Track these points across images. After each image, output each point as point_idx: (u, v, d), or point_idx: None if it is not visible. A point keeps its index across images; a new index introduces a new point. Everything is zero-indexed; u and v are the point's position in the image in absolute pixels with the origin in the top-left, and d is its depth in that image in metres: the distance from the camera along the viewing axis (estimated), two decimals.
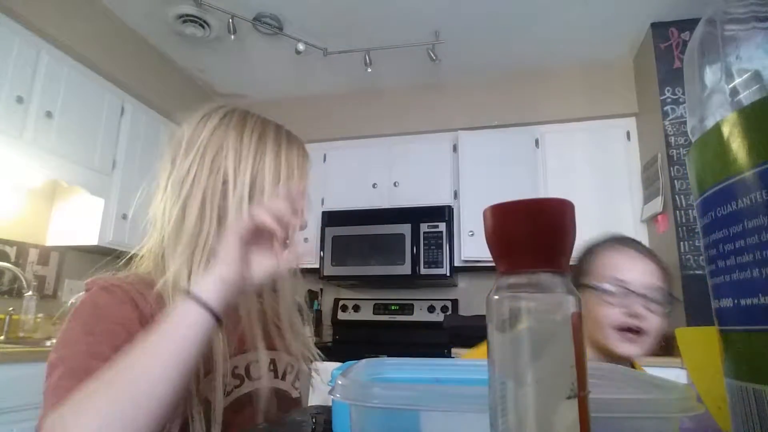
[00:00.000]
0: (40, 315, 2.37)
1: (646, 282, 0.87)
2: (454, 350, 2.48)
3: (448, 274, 2.85)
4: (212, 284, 0.53)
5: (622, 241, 0.94)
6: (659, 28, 2.63)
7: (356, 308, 3.28)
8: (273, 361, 0.73)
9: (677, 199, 2.44)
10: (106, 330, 0.58)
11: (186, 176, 0.68)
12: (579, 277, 0.94)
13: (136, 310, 0.61)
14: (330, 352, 2.48)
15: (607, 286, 0.87)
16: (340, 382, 0.29)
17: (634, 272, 0.88)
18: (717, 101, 0.20)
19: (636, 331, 0.84)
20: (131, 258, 0.72)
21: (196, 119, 0.74)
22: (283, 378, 0.74)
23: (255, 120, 0.75)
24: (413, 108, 3.26)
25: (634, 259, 0.90)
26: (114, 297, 0.61)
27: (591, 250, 0.96)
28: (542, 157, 2.96)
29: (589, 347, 0.93)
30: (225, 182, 0.69)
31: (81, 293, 0.65)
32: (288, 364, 0.75)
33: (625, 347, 0.84)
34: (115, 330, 0.58)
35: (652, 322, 0.84)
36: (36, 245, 2.50)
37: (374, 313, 3.23)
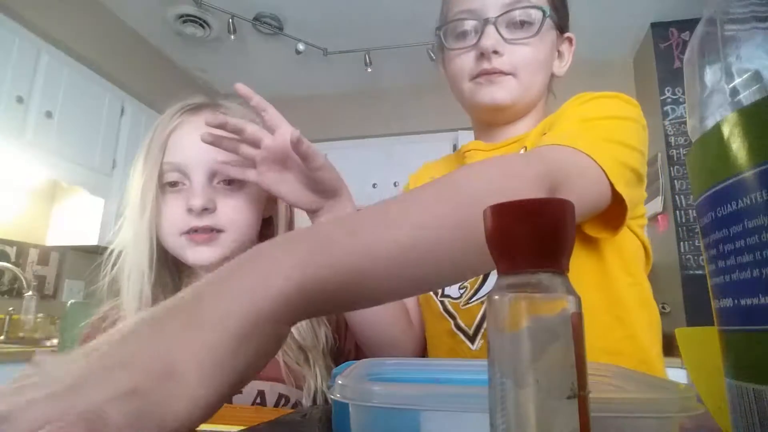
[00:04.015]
0: (40, 315, 2.37)
1: (502, 0, 0.62)
2: None
3: None
4: None
5: None
6: (659, 28, 2.63)
7: None
8: (261, 393, 0.63)
9: (677, 199, 2.44)
10: None
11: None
12: (438, 35, 0.70)
13: None
14: None
15: (456, 27, 0.65)
16: (340, 382, 0.29)
17: None
18: (717, 101, 0.20)
19: (497, 73, 0.63)
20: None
21: None
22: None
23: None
24: (413, 108, 3.26)
25: None
26: None
27: None
28: None
29: (472, 121, 0.75)
30: None
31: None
32: (282, 396, 0.65)
33: (485, 95, 0.64)
34: None
35: (513, 57, 0.62)
36: (36, 245, 2.50)
37: None
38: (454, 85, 0.70)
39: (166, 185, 0.66)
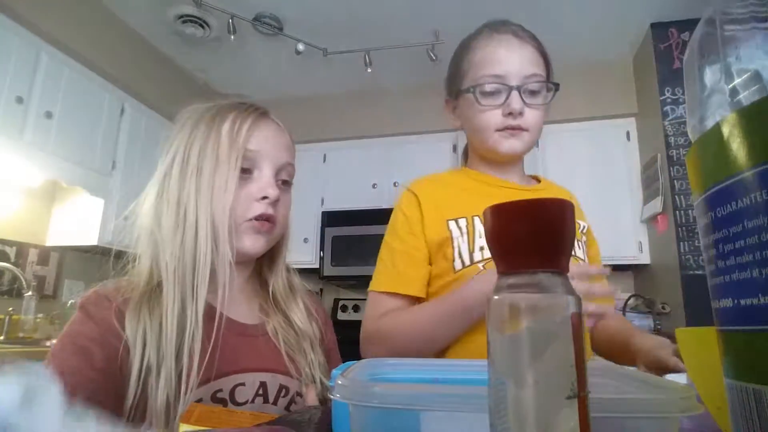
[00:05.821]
0: (40, 315, 2.37)
1: (525, 71, 0.81)
2: None
3: None
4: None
5: (496, 28, 0.87)
6: (659, 29, 2.64)
7: (356, 308, 3.28)
8: (263, 384, 0.66)
9: (677, 199, 2.44)
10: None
11: (158, 174, 0.69)
12: (457, 82, 0.88)
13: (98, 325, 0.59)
14: None
15: (485, 88, 0.82)
16: (339, 382, 0.29)
17: (512, 62, 0.82)
18: (717, 101, 0.20)
19: (520, 129, 0.82)
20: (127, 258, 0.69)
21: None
22: (275, 403, 0.66)
23: (219, 105, 0.75)
24: (413, 108, 3.26)
25: (511, 47, 0.84)
26: (85, 316, 0.60)
27: (466, 45, 0.89)
28: (542, 157, 2.96)
29: (476, 155, 0.91)
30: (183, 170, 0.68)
31: (80, 291, 0.64)
32: (282, 386, 0.67)
33: (507, 145, 0.82)
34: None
35: (530, 118, 0.82)
36: (36, 245, 2.50)
37: None
38: (478, 133, 0.85)
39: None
